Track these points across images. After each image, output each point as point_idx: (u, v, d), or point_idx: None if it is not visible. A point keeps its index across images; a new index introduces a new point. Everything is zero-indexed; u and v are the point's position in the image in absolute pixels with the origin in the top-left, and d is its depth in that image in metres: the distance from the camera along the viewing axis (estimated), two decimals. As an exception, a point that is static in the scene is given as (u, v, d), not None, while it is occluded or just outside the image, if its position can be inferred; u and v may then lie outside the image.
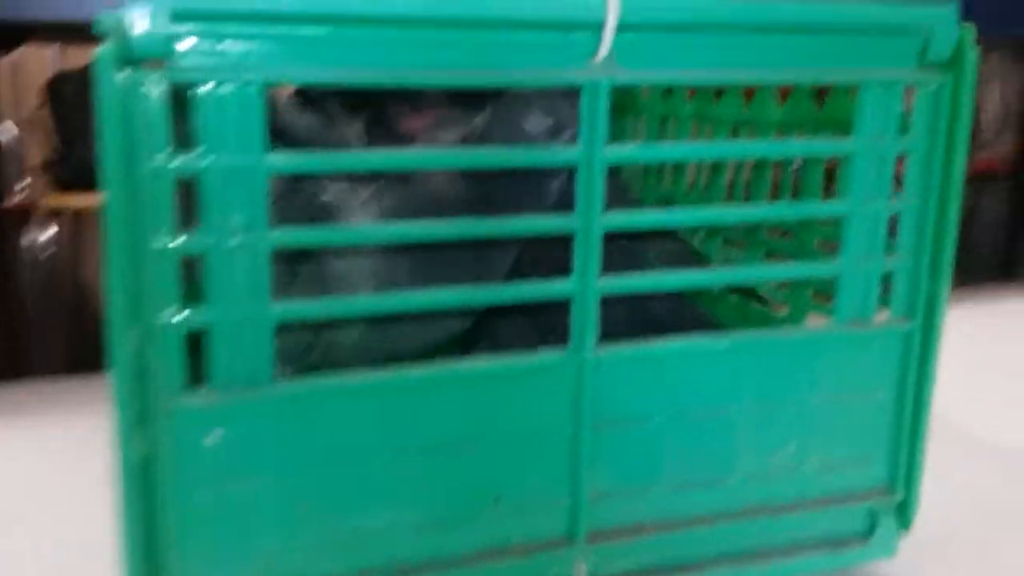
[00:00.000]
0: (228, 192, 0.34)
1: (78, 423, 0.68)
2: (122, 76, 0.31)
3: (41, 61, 1.89)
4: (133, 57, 0.32)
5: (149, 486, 0.36)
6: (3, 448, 0.66)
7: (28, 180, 1.74)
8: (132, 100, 0.32)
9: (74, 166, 1.62)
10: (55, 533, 0.55)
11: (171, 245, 0.34)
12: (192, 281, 0.35)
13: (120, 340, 0.33)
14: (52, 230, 1.70)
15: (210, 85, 0.33)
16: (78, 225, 1.92)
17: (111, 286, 0.33)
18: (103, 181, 0.31)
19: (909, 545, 0.54)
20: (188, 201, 0.34)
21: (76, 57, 1.88)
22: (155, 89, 0.32)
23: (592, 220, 0.40)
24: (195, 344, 0.36)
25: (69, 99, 1.62)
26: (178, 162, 0.33)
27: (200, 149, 0.33)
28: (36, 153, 1.75)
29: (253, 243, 0.35)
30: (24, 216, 1.73)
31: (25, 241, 1.73)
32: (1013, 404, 0.79)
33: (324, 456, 0.38)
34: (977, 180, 2.20)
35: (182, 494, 0.36)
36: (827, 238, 0.54)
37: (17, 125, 1.79)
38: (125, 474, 0.35)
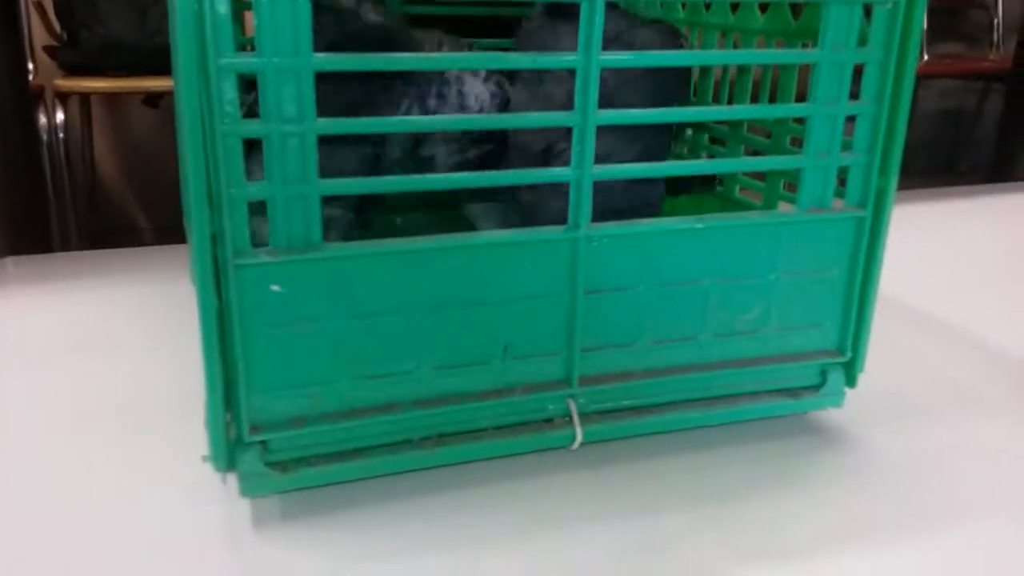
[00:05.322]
0: (281, 87, 0.37)
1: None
2: (194, -12, 0.34)
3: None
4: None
5: (223, 328, 0.39)
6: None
7: (33, 65, 1.70)
8: (204, 8, 0.34)
9: (80, 52, 1.58)
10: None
11: (236, 130, 0.37)
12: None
13: (198, 209, 0.36)
14: (61, 114, 1.67)
15: (266, -3, 0.35)
16: (85, 108, 1.93)
17: (190, 165, 0.36)
18: (178, 78, 0.34)
19: (857, 401, 0.57)
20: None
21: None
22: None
23: (588, 117, 0.43)
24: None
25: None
26: (240, 61, 0.36)
27: (258, 50, 0.36)
28: (41, 37, 1.70)
29: (302, 130, 0.38)
30: (36, 98, 1.69)
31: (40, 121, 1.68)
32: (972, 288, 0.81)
33: (362, 308, 0.42)
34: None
35: (247, 335, 0.40)
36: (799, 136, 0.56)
37: (24, 9, 1.72)
38: (204, 318, 0.38)
